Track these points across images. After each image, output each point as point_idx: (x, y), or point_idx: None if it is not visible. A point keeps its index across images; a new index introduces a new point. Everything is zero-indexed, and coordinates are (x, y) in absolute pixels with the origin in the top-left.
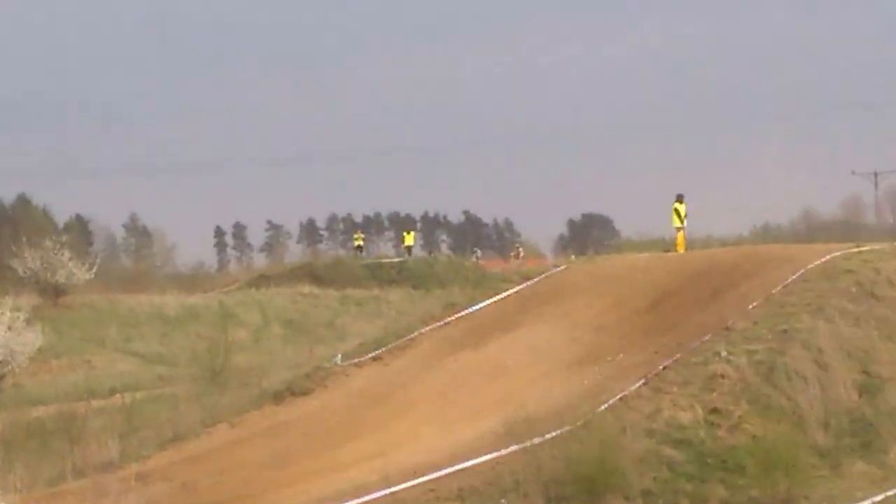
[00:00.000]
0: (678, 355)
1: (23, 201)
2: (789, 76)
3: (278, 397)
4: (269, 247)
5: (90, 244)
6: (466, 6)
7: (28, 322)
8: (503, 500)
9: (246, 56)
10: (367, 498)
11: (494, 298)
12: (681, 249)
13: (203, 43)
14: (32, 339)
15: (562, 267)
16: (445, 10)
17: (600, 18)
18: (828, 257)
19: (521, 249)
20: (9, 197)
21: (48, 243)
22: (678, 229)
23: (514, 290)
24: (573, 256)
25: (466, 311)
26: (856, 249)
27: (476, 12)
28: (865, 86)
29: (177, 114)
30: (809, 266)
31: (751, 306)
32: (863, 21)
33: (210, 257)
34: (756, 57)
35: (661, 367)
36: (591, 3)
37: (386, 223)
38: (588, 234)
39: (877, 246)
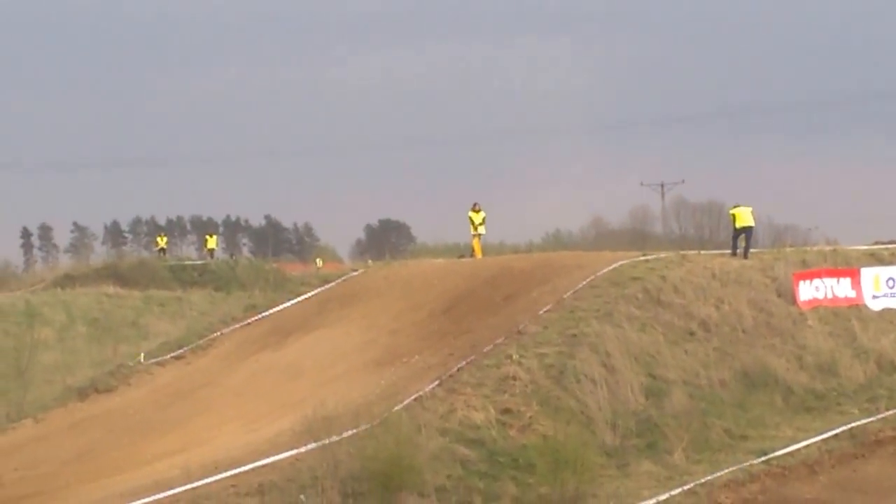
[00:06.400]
0: (472, 357)
1: None
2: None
3: (83, 394)
4: (75, 248)
5: None
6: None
7: None
8: (302, 496)
9: (51, 60)
10: (168, 493)
11: (294, 301)
12: (479, 255)
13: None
14: None
15: (359, 271)
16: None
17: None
18: (616, 265)
19: None
20: None
21: None
22: (474, 236)
23: (314, 292)
24: (370, 261)
25: (267, 313)
26: (643, 258)
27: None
28: (654, 103)
29: None
30: (599, 273)
31: (542, 311)
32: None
33: (16, 257)
34: (548, 74)
35: (455, 369)
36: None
37: (189, 226)
38: (385, 240)
39: (662, 254)
